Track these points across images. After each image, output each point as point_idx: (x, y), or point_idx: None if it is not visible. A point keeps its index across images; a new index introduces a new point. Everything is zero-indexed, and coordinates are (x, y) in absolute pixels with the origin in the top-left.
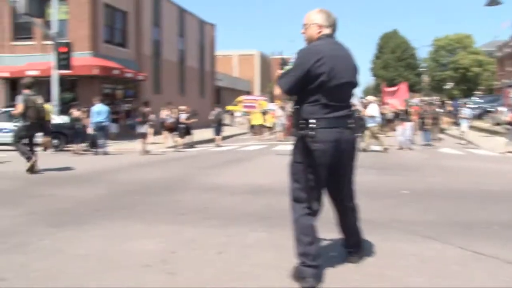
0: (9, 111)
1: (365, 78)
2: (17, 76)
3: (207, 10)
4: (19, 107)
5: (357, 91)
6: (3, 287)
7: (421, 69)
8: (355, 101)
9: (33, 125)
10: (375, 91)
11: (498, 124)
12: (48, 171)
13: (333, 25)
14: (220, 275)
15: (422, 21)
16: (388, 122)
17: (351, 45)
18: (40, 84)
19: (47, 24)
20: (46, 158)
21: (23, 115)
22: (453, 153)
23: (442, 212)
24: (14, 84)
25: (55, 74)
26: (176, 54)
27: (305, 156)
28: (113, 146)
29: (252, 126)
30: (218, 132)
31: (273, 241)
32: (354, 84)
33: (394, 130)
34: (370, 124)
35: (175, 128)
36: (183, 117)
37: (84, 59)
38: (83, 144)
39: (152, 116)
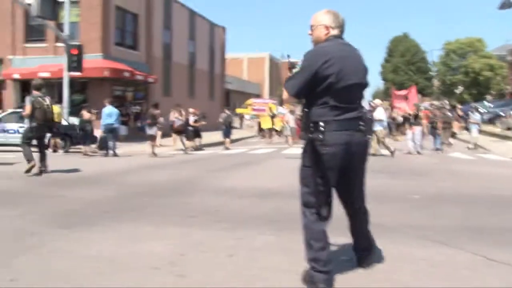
0: (15, 112)
1: (374, 81)
2: (28, 78)
3: (218, 13)
4: (27, 109)
5: (366, 94)
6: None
7: (431, 73)
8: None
9: (41, 127)
10: (385, 95)
11: (509, 128)
12: (59, 172)
13: (341, 26)
14: (229, 278)
15: (433, 24)
16: (398, 126)
17: (360, 48)
18: (51, 86)
19: (59, 26)
20: (56, 159)
21: (31, 117)
22: (464, 158)
23: (453, 217)
24: (25, 86)
25: (66, 76)
26: (186, 56)
27: (314, 160)
28: (122, 148)
29: (261, 130)
30: (227, 134)
31: (282, 244)
32: (363, 85)
33: (404, 134)
34: (376, 128)
35: (183, 130)
36: (191, 119)
37: (95, 61)
38: (93, 146)
39: (161, 119)
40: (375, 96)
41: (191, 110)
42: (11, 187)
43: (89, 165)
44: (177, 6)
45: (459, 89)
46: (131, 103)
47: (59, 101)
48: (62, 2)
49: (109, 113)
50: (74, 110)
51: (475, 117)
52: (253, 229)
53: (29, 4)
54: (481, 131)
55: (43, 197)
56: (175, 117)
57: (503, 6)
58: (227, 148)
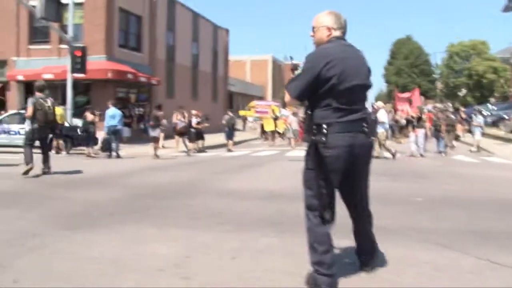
0: (17, 113)
1: (377, 84)
2: (32, 79)
3: (221, 15)
4: (29, 110)
5: (369, 96)
6: None
7: (434, 76)
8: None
9: (42, 128)
10: (388, 97)
11: None
12: (62, 174)
13: (343, 27)
14: (234, 280)
15: (436, 27)
16: (401, 129)
17: (363, 50)
18: (55, 88)
19: (63, 28)
20: (59, 161)
21: (33, 118)
22: (467, 160)
23: (456, 220)
24: (29, 87)
25: (69, 78)
26: (189, 58)
27: (317, 163)
28: (125, 149)
29: (264, 132)
30: (230, 137)
31: (286, 247)
32: (366, 87)
33: (407, 137)
34: (378, 130)
35: (186, 132)
36: (194, 121)
37: (98, 63)
38: (96, 147)
39: (164, 121)
40: (377, 98)
41: (194, 112)
42: (15, 188)
43: (92, 166)
44: (181, 8)
45: (463, 92)
46: (134, 105)
47: (63, 102)
48: (66, 4)
49: (113, 114)
50: (78, 111)
51: (478, 120)
52: (256, 231)
53: (34, 6)
54: (484, 134)
55: (46, 199)
56: (178, 119)
57: (506, 9)
58: (230, 150)
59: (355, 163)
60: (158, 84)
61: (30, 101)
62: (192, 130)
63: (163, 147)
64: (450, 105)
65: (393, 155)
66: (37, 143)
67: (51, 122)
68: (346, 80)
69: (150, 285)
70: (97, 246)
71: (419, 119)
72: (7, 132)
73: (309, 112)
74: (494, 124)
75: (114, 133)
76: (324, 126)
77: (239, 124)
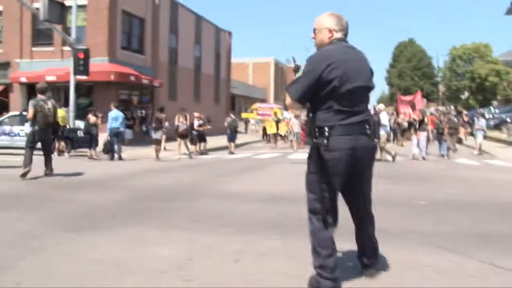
0: (16, 115)
1: (379, 86)
2: (35, 81)
3: (224, 18)
4: (29, 112)
5: (372, 99)
6: None
7: (437, 79)
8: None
9: (42, 130)
10: (390, 100)
11: None
12: (64, 176)
13: (344, 29)
14: (236, 282)
15: (439, 30)
16: (403, 132)
17: (365, 53)
18: (58, 90)
19: (66, 30)
20: (61, 162)
21: (33, 120)
22: (469, 163)
23: (459, 224)
24: (32, 89)
25: (72, 80)
26: (192, 61)
27: (319, 166)
28: (127, 152)
29: (266, 135)
30: (232, 139)
31: (288, 249)
32: (368, 88)
33: (409, 139)
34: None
35: (188, 134)
36: (196, 123)
37: (101, 65)
38: (98, 149)
39: (166, 123)
40: (380, 101)
41: (196, 114)
42: (16, 190)
43: (94, 168)
44: (183, 10)
45: (465, 95)
46: (136, 107)
47: (65, 104)
48: (70, 6)
49: (115, 116)
50: (80, 113)
51: (480, 123)
52: (258, 234)
53: (37, 8)
54: (486, 137)
55: (47, 200)
56: (180, 122)
57: (509, 12)
58: (231, 153)
59: (357, 165)
60: (160, 86)
61: (31, 103)
62: (194, 132)
63: (164, 149)
64: (453, 108)
65: (393, 157)
66: (39, 145)
67: (51, 124)
68: (348, 82)
69: (153, 287)
70: (99, 248)
71: (421, 122)
72: (7, 133)
73: (311, 115)
74: (497, 127)
75: (116, 135)
76: (326, 129)
77: (241, 127)
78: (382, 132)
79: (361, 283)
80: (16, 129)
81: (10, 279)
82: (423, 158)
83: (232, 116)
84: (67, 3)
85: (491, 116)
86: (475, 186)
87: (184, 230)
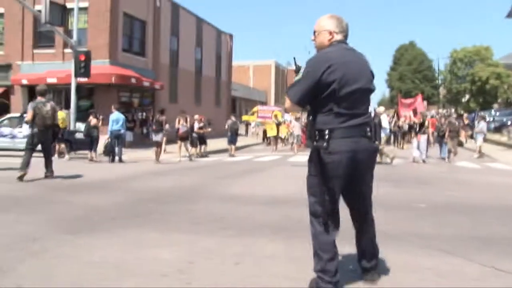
0: (14, 117)
1: (380, 89)
2: (36, 84)
3: (224, 20)
4: (28, 115)
5: (372, 101)
6: None
7: (438, 82)
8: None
9: (41, 133)
10: (391, 103)
11: None
12: (64, 178)
13: (345, 31)
14: (237, 285)
15: (440, 33)
16: (403, 135)
17: (366, 55)
18: (59, 92)
19: (67, 32)
20: (62, 164)
21: (32, 123)
22: (470, 166)
23: (459, 226)
24: (33, 91)
25: (73, 82)
26: (193, 63)
27: (320, 169)
28: (128, 154)
29: (267, 137)
30: (232, 141)
31: (289, 252)
32: (369, 90)
33: (410, 142)
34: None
35: (188, 137)
36: (196, 126)
37: (102, 67)
38: (99, 152)
39: (167, 126)
40: (380, 103)
41: (196, 116)
42: (16, 192)
43: (94, 171)
44: (185, 13)
45: (466, 98)
46: (137, 109)
47: (66, 106)
48: (71, 9)
49: (116, 119)
50: (81, 115)
51: (480, 126)
52: (259, 237)
53: (39, 11)
54: (487, 140)
55: (47, 203)
56: (181, 124)
57: (510, 15)
58: (232, 155)
59: (358, 168)
60: (161, 89)
61: (30, 105)
62: (194, 135)
63: (164, 151)
64: (453, 111)
65: (391, 160)
66: (39, 147)
67: (50, 127)
68: (348, 84)
69: None
70: (99, 251)
71: (421, 125)
72: (6, 135)
73: (311, 118)
74: (497, 130)
75: (117, 137)
76: (326, 131)
77: (241, 129)
78: (382, 135)
79: (360, 286)
80: (16, 131)
81: (10, 281)
82: (423, 161)
83: (233, 118)
84: (68, 6)
85: (492, 119)
86: (475, 189)
87: (185, 232)
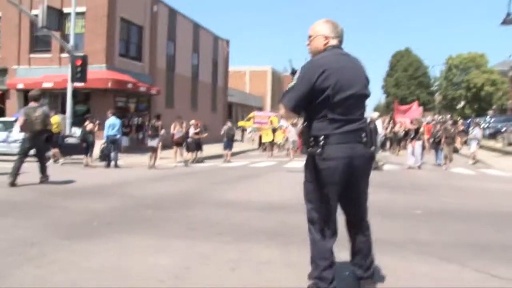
0: (6, 121)
1: (376, 95)
2: (31, 88)
3: (221, 25)
4: (19, 120)
5: (368, 108)
6: None
7: (433, 88)
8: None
9: (31, 138)
10: (387, 108)
11: (510, 144)
12: (60, 183)
13: (340, 36)
14: None
15: (435, 40)
16: (399, 141)
17: (361, 60)
18: (55, 96)
19: (64, 37)
20: (57, 170)
21: (24, 128)
22: (465, 173)
23: (455, 233)
24: None
25: (70, 87)
26: (189, 69)
27: (315, 175)
28: (123, 159)
29: (262, 143)
30: (228, 147)
31: (286, 258)
32: (364, 96)
33: (405, 148)
34: None
35: (183, 142)
36: (191, 131)
37: (99, 72)
38: (95, 157)
39: (162, 131)
40: (376, 109)
41: (192, 121)
42: (13, 197)
43: (90, 176)
44: (182, 18)
45: (461, 104)
46: (133, 114)
47: (63, 111)
48: (68, 14)
49: (112, 124)
50: (77, 120)
51: (474, 132)
52: (257, 242)
53: (36, 15)
54: (482, 147)
55: (44, 208)
56: (176, 130)
57: (505, 22)
58: (227, 161)
59: (354, 174)
60: (157, 94)
61: (22, 111)
62: (189, 140)
63: (161, 158)
64: (449, 117)
65: (380, 166)
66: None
67: (40, 132)
68: (342, 90)
69: None
70: (95, 256)
71: (417, 131)
72: (3, 140)
73: (306, 124)
74: (492, 136)
75: (113, 142)
76: (321, 138)
77: (237, 135)
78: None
79: None
80: (13, 135)
81: (9, 287)
82: (419, 167)
83: (229, 124)
84: (65, 10)
85: (487, 126)
86: (471, 195)
87: (181, 238)
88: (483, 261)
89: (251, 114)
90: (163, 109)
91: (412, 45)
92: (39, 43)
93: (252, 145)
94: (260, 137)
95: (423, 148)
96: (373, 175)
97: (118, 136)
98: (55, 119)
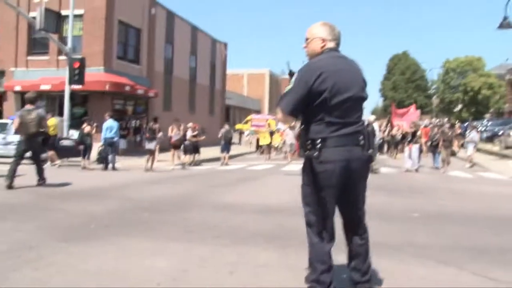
0: (4, 123)
1: (374, 98)
2: (29, 90)
3: (219, 28)
4: (15, 123)
5: (365, 111)
6: None
7: (431, 91)
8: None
9: (26, 141)
10: (384, 112)
11: (507, 147)
12: (57, 186)
13: (337, 39)
14: None
15: (433, 43)
16: (396, 144)
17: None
18: (53, 99)
19: (62, 39)
20: (55, 172)
21: (19, 131)
22: (463, 176)
23: (453, 236)
24: None
25: (67, 89)
26: (187, 71)
27: (312, 178)
28: (121, 162)
29: (260, 146)
30: (226, 150)
31: (284, 261)
32: (361, 99)
33: (402, 152)
34: None
35: (180, 145)
36: (189, 134)
37: (96, 75)
38: (92, 159)
39: (160, 134)
40: (373, 112)
41: (190, 124)
42: (10, 199)
43: (88, 178)
44: (179, 21)
45: (458, 107)
46: (131, 117)
47: (60, 113)
48: (66, 16)
49: (110, 126)
50: (75, 123)
51: (470, 135)
52: (254, 245)
53: (33, 17)
54: (479, 150)
55: (41, 210)
56: (173, 132)
57: (502, 26)
58: (225, 164)
59: (351, 177)
60: (155, 97)
61: (17, 114)
62: (186, 142)
63: (158, 160)
64: (446, 120)
65: (377, 169)
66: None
67: (34, 134)
68: (339, 92)
69: None
70: (93, 259)
71: (414, 134)
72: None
73: (304, 127)
74: (489, 140)
75: (110, 145)
76: (318, 141)
77: (235, 138)
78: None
79: None
80: (10, 138)
81: None
82: (416, 170)
83: (227, 126)
84: (63, 13)
85: (484, 129)
86: (468, 198)
87: (178, 240)
88: (480, 264)
89: (248, 117)
90: (161, 112)
91: (410, 48)
92: (36, 45)
93: (249, 148)
94: (258, 140)
95: (420, 151)
96: (371, 178)
97: (115, 139)
98: (52, 121)
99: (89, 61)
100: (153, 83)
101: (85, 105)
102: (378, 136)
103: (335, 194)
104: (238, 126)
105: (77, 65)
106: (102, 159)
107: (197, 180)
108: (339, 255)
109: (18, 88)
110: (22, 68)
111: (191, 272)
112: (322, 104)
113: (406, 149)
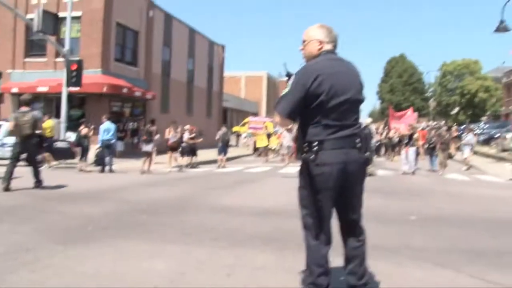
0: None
1: (371, 101)
2: (26, 92)
3: (216, 30)
4: (9, 125)
5: (363, 114)
6: None
7: (428, 94)
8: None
9: (21, 143)
10: (381, 114)
11: (504, 150)
12: (54, 188)
13: (334, 41)
14: None
15: (430, 46)
16: (393, 147)
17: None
18: (50, 101)
19: (60, 41)
20: (52, 174)
21: (14, 133)
22: (460, 179)
23: (450, 239)
24: None
25: (64, 91)
26: (185, 74)
27: (309, 181)
28: (118, 164)
29: (257, 148)
30: (223, 152)
31: (281, 263)
32: (358, 101)
33: (399, 154)
34: None
35: (177, 147)
36: (186, 136)
37: (94, 77)
38: (89, 161)
39: (157, 136)
40: (371, 115)
41: (187, 126)
42: (7, 201)
43: (85, 180)
44: (177, 23)
45: (455, 110)
46: (128, 119)
47: (57, 115)
48: (64, 18)
49: (107, 128)
50: (72, 125)
51: (467, 138)
52: (252, 248)
53: (31, 19)
54: (476, 153)
55: (39, 212)
56: (171, 135)
57: (498, 29)
58: (222, 166)
59: (348, 180)
60: (153, 99)
61: (12, 116)
62: (183, 145)
63: (155, 163)
64: (443, 123)
65: (372, 172)
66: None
67: (29, 136)
68: (336, 95)
69: None
70: (91, 261)
71: (411, 137)
72: None
73: (301, 130)
74: (486, 142)
75: (107, 147)
76: (315, 143)
77: (232, 140)
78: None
79: None
80: (6, 139)
81: None
82: (413, 173)
83: (224, 129)
84: (61, 15)
85: (481, 132)
86: (465, 201)
87: (176, 243)
88: (478, 266)
89: (246, 120)
90: (158, 114)
91: (407, 51)
92: (34, 47)
93: (247, 151)
94: (255, 143)
95: (417, 154)
96: (368, 181)
97: (113, 141)
98: (48, 123)
99: (86, 63)
100: (150, 85)
101: (83, 107)
102: (375, 138)
103: (332, 197)
104: (235, 129)
105: (74, 67)
106: (100, 161)
107: (194, 183)
108: (336, 257)
109: (15, 90)
110: (19, 70)
111: (189, 275)
112: (319, 106)
113: (403, 151)
